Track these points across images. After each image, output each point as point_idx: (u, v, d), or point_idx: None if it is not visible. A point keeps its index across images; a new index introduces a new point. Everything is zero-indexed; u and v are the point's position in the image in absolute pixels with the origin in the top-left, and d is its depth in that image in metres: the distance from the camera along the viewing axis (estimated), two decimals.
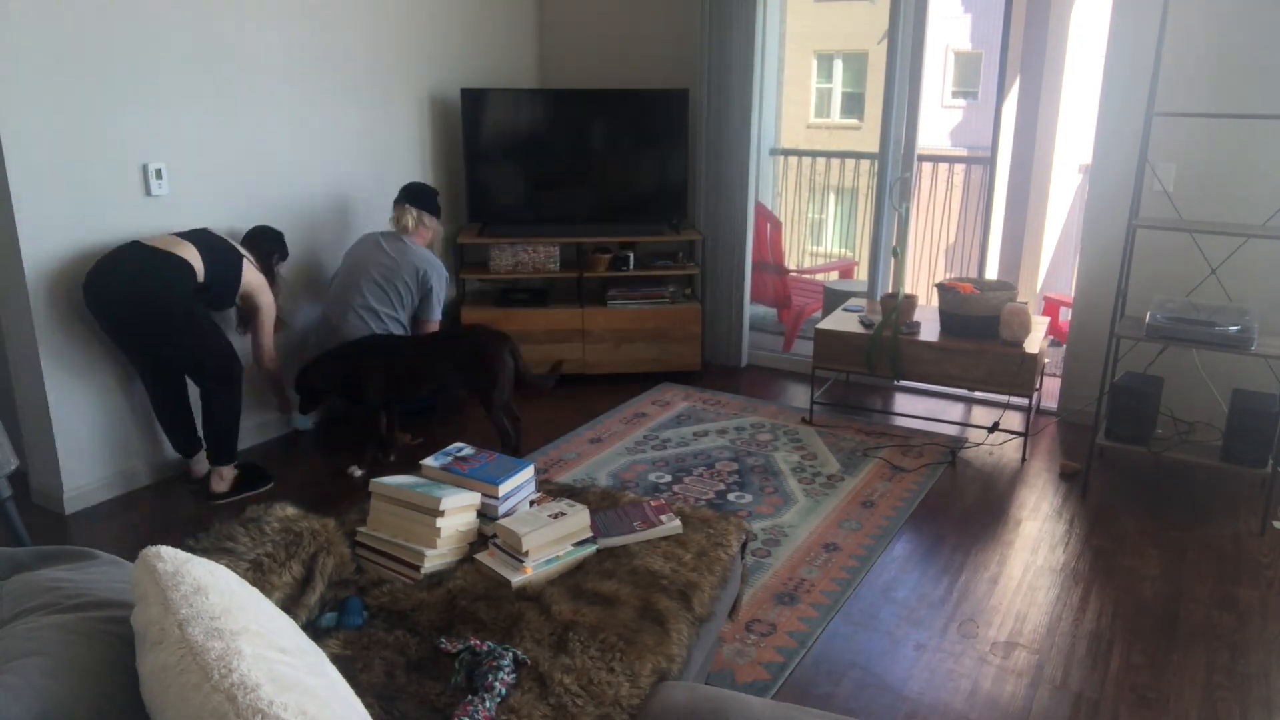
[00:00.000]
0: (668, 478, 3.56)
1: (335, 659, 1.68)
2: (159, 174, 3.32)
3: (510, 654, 1.65)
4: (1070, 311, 4.19)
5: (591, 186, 4.70)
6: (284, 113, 3.77)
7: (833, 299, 4.94)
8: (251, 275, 3.38)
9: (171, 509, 3.31)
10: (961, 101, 16.56)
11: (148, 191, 3.30)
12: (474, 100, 4.46)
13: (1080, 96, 5.79)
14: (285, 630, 1.20)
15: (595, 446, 3.86)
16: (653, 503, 2.26)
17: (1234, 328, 3.16)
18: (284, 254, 3.62)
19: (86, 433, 3.27)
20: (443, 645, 1.71)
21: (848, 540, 3.12)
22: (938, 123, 16.32)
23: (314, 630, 1.79)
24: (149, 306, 3.05)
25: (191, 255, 3.15)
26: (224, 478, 3.36)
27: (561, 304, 4.59)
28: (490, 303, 4.60)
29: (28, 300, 3.05)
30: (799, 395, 4.49)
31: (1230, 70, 3.52)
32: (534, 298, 4.59)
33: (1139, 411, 3.39)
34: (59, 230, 3.09)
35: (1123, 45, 3.72)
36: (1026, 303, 4.02)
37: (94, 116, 3.11)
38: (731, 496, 3.41)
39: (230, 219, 3.62)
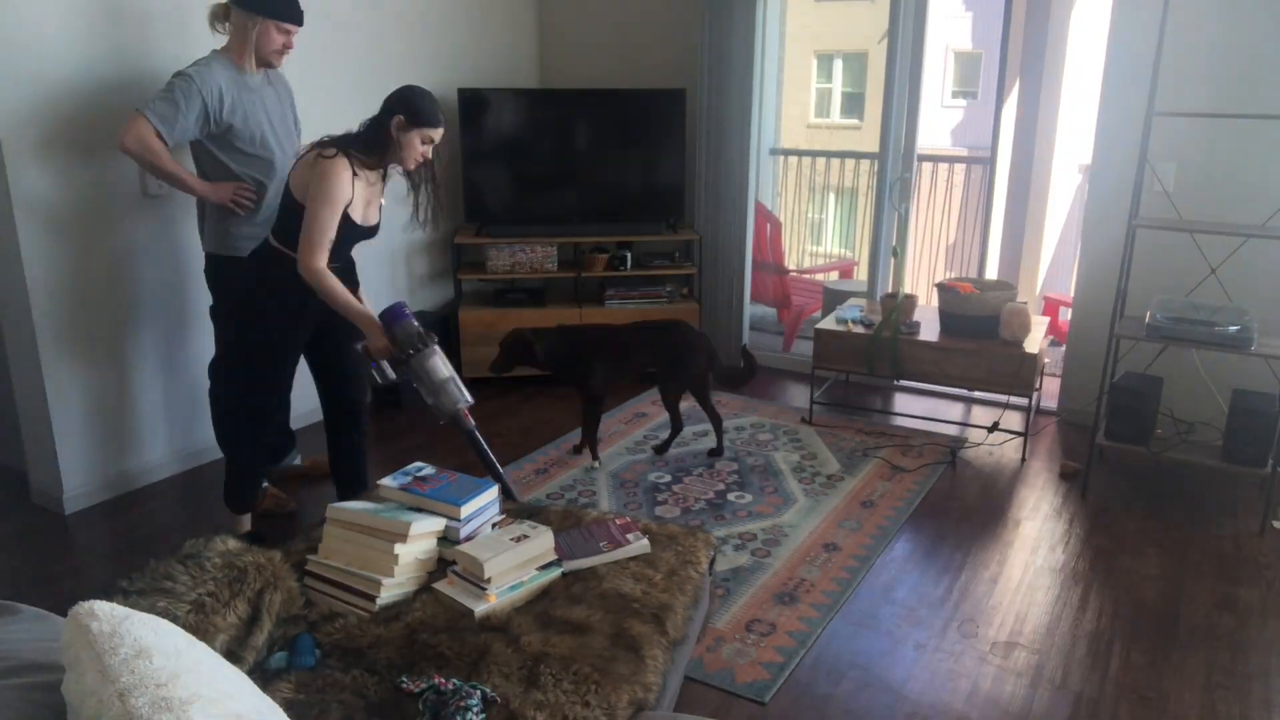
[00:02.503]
0: (667, 478, 3.55)
1: (288, 705, 1.56)
2: None
3: (478, 692, 1.56)
4: (1070, 311, 4.18)
5: (588, 186, 4.70)
6: None
7: (832, 299, 4.93)
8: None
9: (171, 510, 3.31)
10: (961, 101, 16.56)
11: (146, 191, 3.30)
12: (471, 100, 4.45)
13: (1080, 96, 5.78)
14: (240, 692, 1.10)
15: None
16: (618, 520, 2.19)
17: (1234, 328, 3.17)
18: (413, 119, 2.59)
19: (87, 433, 3.27)
20: (404, 685, 1.61)
21: (848, 540, 3.11)
22: (938, 123, 16.31)
23: (263, 673, 1.67)
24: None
25: None
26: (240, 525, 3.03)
27: (559, 304, 4.58)
28: (488, 303, 4.59)
29: (28, 300, 3.05)
30: (799, 395, 4.49)
31: (1231, 70, 3.52)
32: (531, 298, 4.58)
33: (1139, 411, 3.39)
34: (58, 230, 3.08)
35: (1123, 45, 3.72)
36: (1026, 303, 4.01)
37: (95, 115, 3.11)
38: (731, 496, 3.40)
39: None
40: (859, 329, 3.99)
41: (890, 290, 4.24)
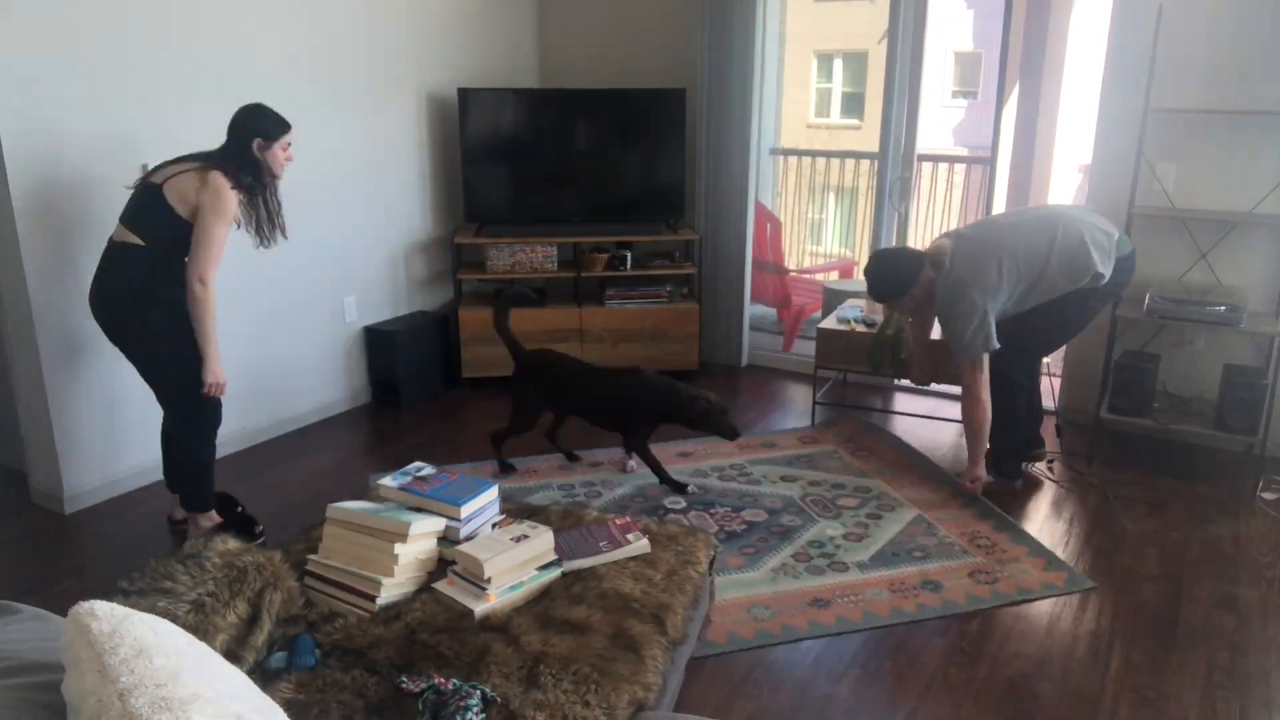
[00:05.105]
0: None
1: (288, 705, 1.56)
2: None
3: (478, 691, 1.56)
4: None
5: (588, 186, 4.70)
6: (282, 111, 3.75)
7: (833, 299, 4.93)
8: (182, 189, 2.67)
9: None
10: (962, 101, 16.56)
11: None
12: (470, 100, 4.45)
13: (1080, 96, 5.78)
14: (240, 691, 1.10)
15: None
16: (618, 520, 2.19)
17: (1222, 307, 3.47)
18: (269, 135, 2.80)
19: (87, 433, 3.27)
20: (404, 685, 1.61)
21: None
22: (938, 122, 16.31)
23: (263, 673, 1.67)
24: (107, 309, 2.79)
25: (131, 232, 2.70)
26: (200, 526, 2.97)
27: (559, 304, 4.59)
28: (487, 303, 4.59)
29: (28, 300, 3.05)
30: (799, 395, 4.49)
31: (1230, 68, 3.56)
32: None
33: (1140, 385, 3.60)
34: (59, 231, 3.08)
35: (1123, 43, 3.74)
36: None
37: (94, 115, 3.11)
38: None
39: None
40: (861, 329, 3.99)
41: None
